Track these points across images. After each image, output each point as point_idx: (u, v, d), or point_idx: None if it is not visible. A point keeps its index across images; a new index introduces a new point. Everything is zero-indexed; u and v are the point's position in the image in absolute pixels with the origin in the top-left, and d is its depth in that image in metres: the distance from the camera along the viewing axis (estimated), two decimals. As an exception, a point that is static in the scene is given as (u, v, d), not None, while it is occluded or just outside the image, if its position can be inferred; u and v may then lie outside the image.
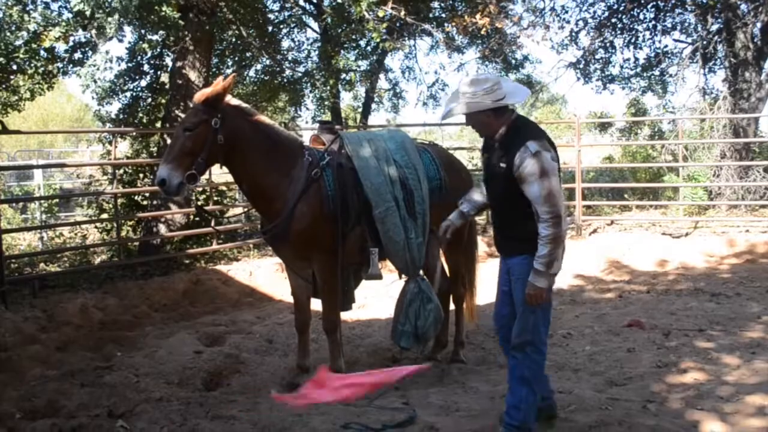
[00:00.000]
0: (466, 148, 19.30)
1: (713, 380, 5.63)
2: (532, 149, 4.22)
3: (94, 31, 9.84)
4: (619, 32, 18.92)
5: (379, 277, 5.90)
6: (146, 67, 13.19)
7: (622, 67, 19.65)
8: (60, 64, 11.26)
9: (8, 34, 9.86)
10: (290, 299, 6.48)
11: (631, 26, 18.85)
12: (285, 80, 18.62)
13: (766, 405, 4.96)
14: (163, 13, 10.08)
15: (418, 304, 5.91)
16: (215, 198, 12.45)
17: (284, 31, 19.51)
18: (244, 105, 5.69)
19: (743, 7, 16.31)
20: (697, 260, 11.30)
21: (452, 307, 6.80)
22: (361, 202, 5.76)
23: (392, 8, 12.11)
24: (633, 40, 18.94)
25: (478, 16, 13.55)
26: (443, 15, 18.52)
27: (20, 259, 10.93)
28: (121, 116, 12.99)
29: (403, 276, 6.18)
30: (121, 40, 10.55)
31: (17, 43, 9.97)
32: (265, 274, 10.51)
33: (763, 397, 5.08)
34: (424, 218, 5.98)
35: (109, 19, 9.39)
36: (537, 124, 4.64)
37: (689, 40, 18.76)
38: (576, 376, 5.99)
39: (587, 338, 7.15)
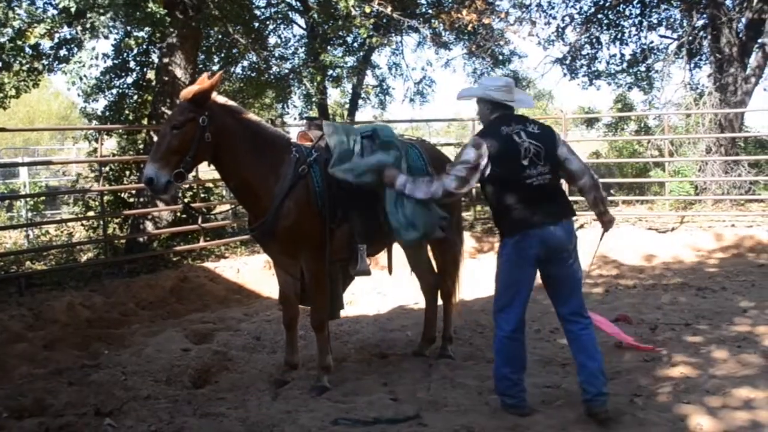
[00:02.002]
0: (454, 144, 19.32)
1: (700, 374, 5.65)
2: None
3: (80, 28, 9.79)
4: (605, 28, 19.00)
5: (367, 273, 5.89)
6: (132, 64, 13.13)
7: (608, 62, 19.76)
8: (45, 61, 11.19)
9: (-7, 31, 9.80)
10: (278, 296, 6.47)
11: (617, 22, 18.93)
12: (272, 77, 18.59)
13: (752, 398, 4.99)
14: (150, 10, 10.04)
15: (396, 199, 5.63)
16: (202, 195, 12.43)
17: (271, 27, 19.51)
18: (231, 102, 5.66)
19: (728, 2, 16.40)
20: (684, 255, 11.36)
21: (440, 302, 6.80)
22: (347, 198, 5.74)
23: (379, 4, 12.10)
24: (619, 36, 19.03)
25: (464, 11, 13.56)
26: (430, 11, 18.55)
27: (6, 258, 10.88)
28: (108, 113, 12.93)
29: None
30: (107, 38, 10.50)
31: (2, 40, 9.90)
32: (252, 271, 10.50)
33: (750, 390, 5.10)
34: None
35: (102, 18, 9.36)
36: (502, 122, 5.05)
37: (675, 35, 18.87)
38: (563, 371, 6.01)
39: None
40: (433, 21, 17.50)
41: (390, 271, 6.47)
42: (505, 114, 5.14)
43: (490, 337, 7.06)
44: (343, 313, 7.82)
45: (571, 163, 5.11)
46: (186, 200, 11.83)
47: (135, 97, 13.18)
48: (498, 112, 5.14)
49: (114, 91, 13.08)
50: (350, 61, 19.81)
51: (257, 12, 18.63)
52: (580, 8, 19.11)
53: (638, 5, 18.62)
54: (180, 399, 5.70)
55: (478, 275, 10.10)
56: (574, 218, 5.26)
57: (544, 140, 5.02)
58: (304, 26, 19.36)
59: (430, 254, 6.72)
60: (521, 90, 6.28)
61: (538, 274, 5.16)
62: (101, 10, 9.28)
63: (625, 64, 19.53)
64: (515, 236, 4.94)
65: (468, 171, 4.92)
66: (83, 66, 10.09)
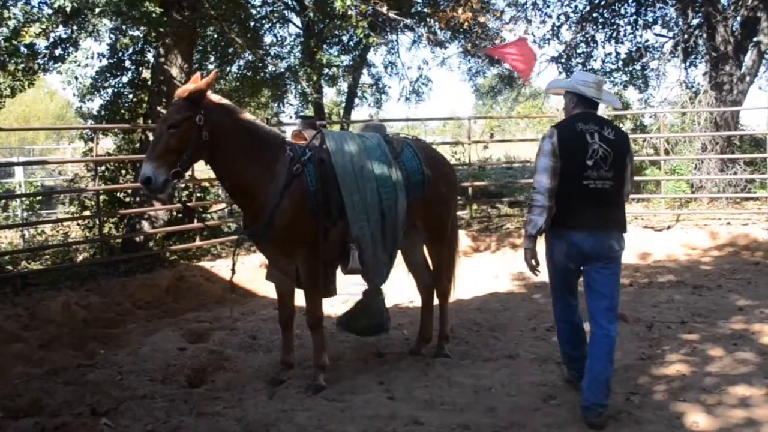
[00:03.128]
0: (449, 142, 19.33)
1: (696, 372, 5.67)
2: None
3: (75, 27, 9.79)
4: (600, 27, 19.03)
5: (360, 271, 5.90)
6: (128, 63, 13.11)
7: (603, 61, 19.80)
8: (41, 61, 11.18)
9: (-12, 30, 9.80)
10: (274, 295, 6.47)
11: (613, 21, 18.96)
12: (268, 76, 18.57)
13: (748, 396, 5.01)
14: (145, 9, 10.03)
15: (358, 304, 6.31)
16: (198, 194, 12.41)
17: (267, 26, 19.51)
18: (226, 101, 5.65)
19: (723, 1, 16.43)
20: (679, 253, 11.38)
21: (436, 301, 6.80)
22: (341, 197, 5.75)
23: (375, 3, 12.10)
24: (614, 35, 19.07)
25: (460, 10, 13.56)
26: (425, 10, 18.56)
27: (2, 257, 10.85)
28: (103, 113, 12.91)
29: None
30: (102, 38, 10.49)
31: (-3, 39, 9.90)
32: (248, 270, 10.48)
33: (746, 387, 5.12)
34: (395, 236, 5.99)
35: (104, 20, 9.35)
36: (580, 119, 5.20)
37: (670, 34, 18.89)
38: (560, 369, 6.01)
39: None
40: (428, 20, 17.53)
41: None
42: (588, 112, 5.26)
43: (487, 336, 7.12)
44: (338, 313, 7.85)
45: (626, 172, 5.24)
46: (183, 199, 11.84)
47: (131, 96, 13.16)
48: (580, 108, 5.27)
49: (109, 90, 13.06)
50: (346, 60, 19.83)
51: (253, 11, 18.61)
52: (575, 7, 19.17)
53: (633, 4, 18.67)
54: (176, 398, 5.69)
55: (474, 274, 10.11)
56: (624, 234, 5.36)
57: (617, 147, 5.11)
58: (300, 25, 19.39)
59: (426, 253, 6.72)
60: (610, 92, 6.48)
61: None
62: (97, 10, 9.27)
63: (620, 63, 19.57)
64: (561, 231, 5.11)
65: (550, 177, 5.03)
66: (78, 65, 10.08)
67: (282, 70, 18.66)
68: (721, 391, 5.14)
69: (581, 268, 5.24)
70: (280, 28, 20.21)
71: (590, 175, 5.01)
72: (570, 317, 5.43)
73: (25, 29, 9.76)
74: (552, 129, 5.22)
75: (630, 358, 6.20)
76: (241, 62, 18.80)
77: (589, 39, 19.21)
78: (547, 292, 8.94)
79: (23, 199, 15.89)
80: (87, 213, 11.93)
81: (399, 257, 6.61)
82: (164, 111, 10.74)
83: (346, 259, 5.85)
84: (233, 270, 5.99)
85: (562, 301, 5.42)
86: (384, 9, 12.37)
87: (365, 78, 22.19)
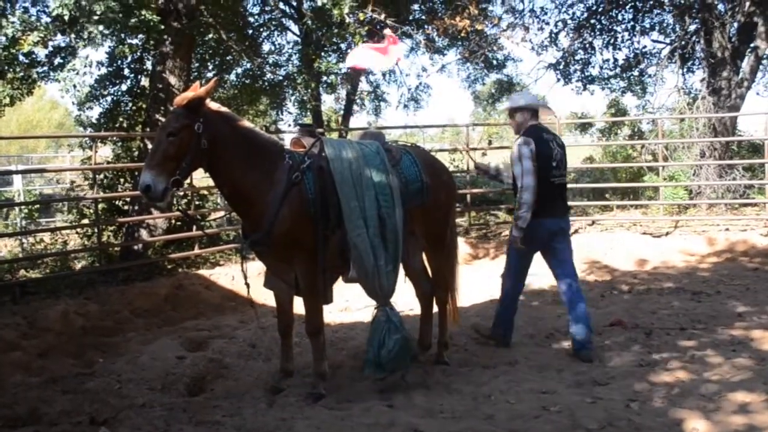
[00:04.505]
0: (448, 149, 19.34)
1: (696, 378, 5.67)
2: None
3: (73, 36, 9.79)
4: (598, 33, 19.05)
5: (360, 280, 5.88)
6: (126, 72, 13.11)
7: (601, 67, 19.81)
8: (39, 69, 11.17)
9: (-14, 39, 9.80)
10: (273, 303, 6.46)
11: (610, 27, 18.98)
12: (266, 83, 18.60)
13: (748, 402, 5.00)
14: (143, 17, 10.04)
15: (383, 333, 5.80)
16: (197, 202, 12.41)
17: (265, 34, 19.53)
18: (224, 109, 5.66)
19: (720, 7, 16.45)
20: (678, 259, 11.38)
21: (435, 309, 6.80)
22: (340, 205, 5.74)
23: (373, 11, 12.12)
24: (612, 41, 19.08)
25: (457, 18, 13.58)
26: (423, 17, 18.58)
27: (0, 266, 10.84)
28: (102, 121, 12.91)
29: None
30: (101, 45, 10.49)
31: (-5, 48, 9.91)
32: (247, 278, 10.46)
33: (745, 394, 5.12)
34: (396, 246, 5.88)
35: (101, 27, 9.35)
36: (541, 129, 6.75)
37: (667, 40, 18.92)
38: (559, 376, 6.01)
39: (570, 338, 7.17)
40: (426, 27, 17.55)
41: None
42: (540, 124, 6.79)
43: (486, 343, 7.10)
44: (338, 320, 7.85)
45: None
46: (181, 207, 11.83)
47: (129, 104, 13.16)
48: (534, 121, 6.75)
49: (108, 98, 13.06)
50: (344, 67, 19.82)
51: (251, 19, 18.66)
52: (573, 14, 19.18)
53: (631, 10, 18.68)
54: (175, 407, 5.69)
55: (472, 281, 10.11)
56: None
57: (564, 150, 6.77)
58: (298, 33, 19.38)
59: (425, 261, 6.72)
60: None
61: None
62: (95, 18, 9.28)
63: (618, 69, 19.58)
64: (538, 220, 6.45)
65: (533, 176, 6.41)
66: (77, 74, 10.08)
67: (280, 77, 18.68)
68: (721, 397, 5.14)
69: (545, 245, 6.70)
70: (278, 35, 20.22)
71: (555, 174, 6.57)
72: (519, 293, 7.08)
73: (24, 38, 9.76)
74: (527, 138, 6.51)
75: (629, 364, 6.20)
76: (240, 70, 18.85)
77: (587, 45, 19.23)
78: (546, 300, 9.03)
79: (22, 207, 15.87)
80: (86, 221, 11.92)
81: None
82: (163, 119, 10.74)
83: (346, 267, 5.85)
84: (247, 284, 5.93)
85: (518, 282, 6.97)
86: (382, 16, 12.39)
87: (363, 85, 22.20)
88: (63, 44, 10.88)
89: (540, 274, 8.15)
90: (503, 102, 25.36)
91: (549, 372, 6.17)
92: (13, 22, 9.75)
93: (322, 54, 17.30)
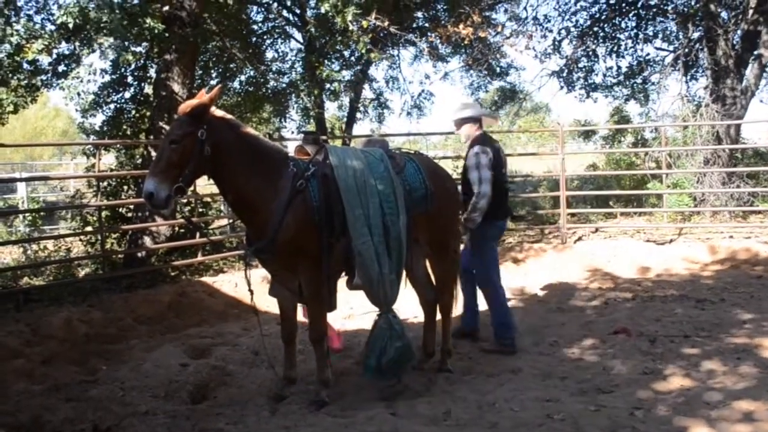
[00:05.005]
0: (451, 157, 19.35)
1: (700, 386, 5.65)
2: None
3: (77, 44, 9.82)
4: (601, 41, 19.05)
5: (365, 287, 5.88)
6: (130, 79, 13.12)
7: (604, 75, 19.81)
8: (43, 77, 11.20)
9: (-9, 47, 9.83)
10: (276, 311, 6.46)
11: (613, 35, 18.98)
12: (269, 91, 18.61)
13: (753, 410, 4.99)
14: (147, 25, 10.07)
15: (385, 340, 5.83)
16: (200, 210, 12.42)
17: (268, 41, 19.55)
18: (229, 116, 5.67)
19: (724, 14, 16.45)
20: (682, 267, 11.35)
21: (438, 316, 6.80)
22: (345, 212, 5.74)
23: (376, 18, 12.13)
24: (615, 49, 19.08)
25: (461, 26, 13.59)
26: (426, 25, 18.61)
27: (4, 273, 10.85)
28: (106, 128, 12.93)
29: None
30: (108, 56, 10.52)
31: (0, 55, 9.92)
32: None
33: (750, 402, 5.10)
34: (400, 254, 5.89)
35: (111, 39, 9.39)
36: (490, 139, 7.31)
37: (671, 48, 18.94)
38: (563, 384, 6.00)
39: (574, 346, 7.16)
40: (429, 35, 17.56)
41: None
42: (486, 133, 7.31)
43: (500, 351, 7.09)
44: (341, 327, 7.84)
45: None
46: (185, 214, 11.84)
47: (133, 112, 13.17)
48: (481, 131, 7.23)
49: (112, 106, 13.07)
50: (347, 75, 19.86)
51: (254, 27, 18.69)
52: (576, 21, 19.20)
53: (634, 18, 18.68)
54: (178, 414, 5.69)
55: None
56: None
57: (505, 157, 7.31)
58: (302, 40, 19.40)
59: (429, 268, 6.72)
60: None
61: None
62: (100, 26, 9.31)
63: (621, 77, 19.59)
64: (495, 221, 7.06)
65: (490, 184, 6.81)
66: (81, 81, 10.11)
67: (283, 85, 18.70)
68: (726, 405, 5.12)
69: None
70: (281, 43, 20.23)
71: (505, 180, 7.25)
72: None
73: (28, 45, 9.79)
74: (484, 147, 6.91)
75: (633, 372, 6.18)
76: (243, 77, 18.86)
77: (590, 53, 19.24)
78: (550, 307, 9.02)
79: (26, 214, 15.90)
80: (89, 228, 11.93)
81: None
82: (166, 126, 10.76)
83: (351, 274, 5.85)
84: (251, 291, 5.94)
85: (498, 271, 7.34)
86: (385, 24, 12.40)
87: (367, 93, 22.22)
88: (67, 52, 10.91)
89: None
90: (507, 108, 25.42)
91: (553, 380, 6.16)
92: (17, 30, 9.78)
93: (326, 62, 17.33)
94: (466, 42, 15.01)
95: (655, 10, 18.33)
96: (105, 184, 11.77)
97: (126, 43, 10.69)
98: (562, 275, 10.92)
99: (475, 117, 7.19)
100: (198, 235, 11.07)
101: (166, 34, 10.62)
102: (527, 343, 7.38)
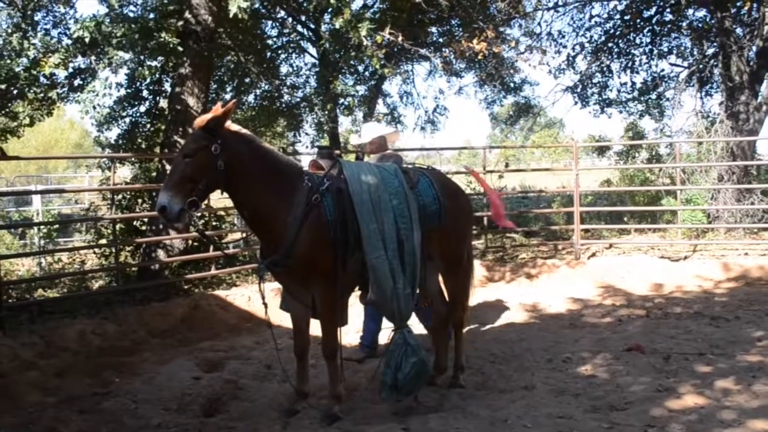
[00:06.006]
0: (464, 172, 19.33)
1: (714, 404, 5.61)
2: None
3: (93, 58, 9.90)
4: (615, 56, 19.05)
5: (378, 302, 5.87)
6: (145, 93, 13.20)
7: (619, 91, 19.78)
8: (60, 90, 11.29)
9: (8, 60, 9.91)
10: (289, 324, 6.46)
11: (628, 50, 18.98)
12: (284, 105, 18.71)
13: (767, 429, 4.94)
14: (163, 39, 10.14)
15: (401, 356, 5.80)
16: (214, 223, 12.46)
17: (282, 56, 19.65)
18: (244, 130, 5.68)
19: (738, 30, 16.42)
20: (696, 283, 11.29)
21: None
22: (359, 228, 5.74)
23: (390, 34, 12.17)
24: (630, 65, 19.07)
25: (475, 41, 13.61)
26: (441, 40, 18.67)
27: (18, 285, 10.91)
28: (120, 142, 13.01)
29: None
30: (119, 70, 10.60)
31: (17, 69, 10.01)
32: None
33: (765, 421, 5.06)
34: (414, 269, 5.88)
35: (120, 53, 9.48)
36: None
37: (685, 63, 18.89)
38: (576, 401, 5.96)
39: (587, 363, 7.12)
40: (443, 50, 17.61)
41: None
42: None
43: (502, 367, 7.06)
44: (354, 342, 7.83)
45: None
46: (199, 228, 11.87)
47: (148, 125, 13.24)
48: (387, 146, 7.59)
49: (127, 119, 13.15)
50: (361, 89, 19.93)
51: (269, 41, 18.80)
52: (591, 37, 19.19)
53: (648, 34, 18.68)
54: (191, 428, 5.69)
55: (488, 304, 10.08)
56: None
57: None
58: (316, 55, 19.50)
59: (442, 284, 6.71)
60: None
61: None
62: (115, 41, 9.38)
63: (636, 92, 19.55)
64: None
65: None
66: (97, 95, 10.18)
67: (298, 99, 18.78)
68: (740, 424, 5.08)
69: None
70: (296, 58, 20.34)
71: None
72: None
73: (45, 59, 9.89)
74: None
75: (646, 390, 6.14)
76: (258, 92, 18.97)
77: (605, 69, 19.23)
78: (563, 323, 8.99)
79: (40, 227, 15.98)
80: (103, 241, 11.99)
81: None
82: (181, 140, 10.81)
83: (365, 289, 5.85)
84: (265, 304, 5.94)
85: None
86: (399, 39, 12.44)
87: (381, 107, 22.29)
88: (83, 66, 10.99)
89: None
90: (521, 123, 25.40)
91: (566, 396, 6.12)
92: (34, 44, 9.88)
93: (340, 76, 17.39)
94: (480, 57, 15.04)
95: (669, 26, 18.32)
96: (119, 197, 11.83)
97: (141, 58, 10.77)
98: (575, 291, 10.88)
99: (377, 139, 7.54)
100: (211, 248, 11.09)
101: (181, 49, 10.68)
102: (540, 359, 7.35)
